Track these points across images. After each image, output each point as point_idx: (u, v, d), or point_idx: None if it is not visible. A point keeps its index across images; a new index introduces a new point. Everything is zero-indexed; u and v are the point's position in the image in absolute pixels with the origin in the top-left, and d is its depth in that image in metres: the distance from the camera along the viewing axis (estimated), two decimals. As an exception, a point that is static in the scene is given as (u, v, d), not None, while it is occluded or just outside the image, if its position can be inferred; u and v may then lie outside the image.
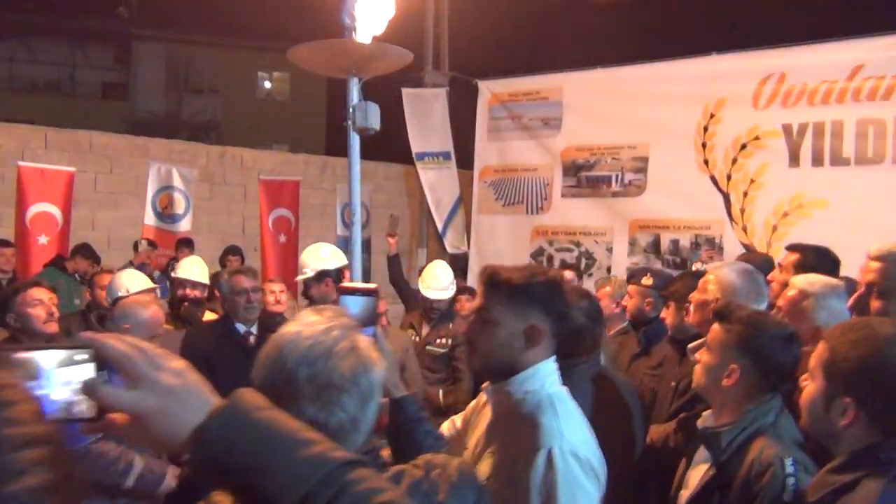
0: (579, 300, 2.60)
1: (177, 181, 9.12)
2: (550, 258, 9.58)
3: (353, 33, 3.94)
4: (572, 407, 1.92)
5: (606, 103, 9.15)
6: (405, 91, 10.67)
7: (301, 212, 9.80)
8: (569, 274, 5.97)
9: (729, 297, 2.77)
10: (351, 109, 4.02)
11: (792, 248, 3.32)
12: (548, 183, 9.72)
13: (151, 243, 8.10)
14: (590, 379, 2.62)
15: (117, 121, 21.64)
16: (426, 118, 10.69)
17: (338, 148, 16.11)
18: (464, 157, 10.60)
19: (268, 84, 28.67)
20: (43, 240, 8.06)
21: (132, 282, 4.61)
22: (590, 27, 13.36)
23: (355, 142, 4.11)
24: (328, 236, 10.16)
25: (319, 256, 4.39)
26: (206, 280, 5.03)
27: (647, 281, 4.22)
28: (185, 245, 8.26)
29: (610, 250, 9.24)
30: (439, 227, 10.55)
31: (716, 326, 2.26)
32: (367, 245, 10.32)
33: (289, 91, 28.30)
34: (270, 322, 4.31)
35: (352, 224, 4.08)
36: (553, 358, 1.97)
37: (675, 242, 8.77)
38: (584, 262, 9.36)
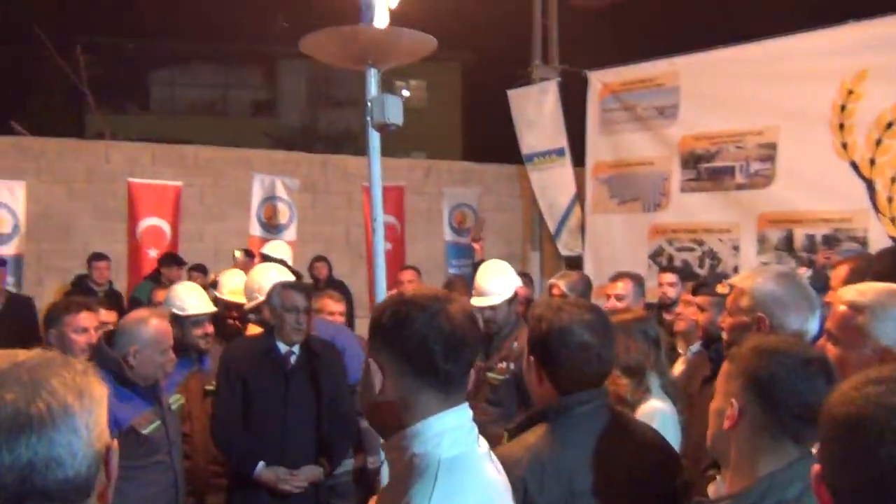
0: (580, 314, 2.04)
1: (280, 191, 9.15)
2: (671, 258, 8.77)
3: (371, 20, 3.58)
4: (472, 482, 1.42)
5: (727, 86, 8.23)
6: (511, 93, 10.26)
7: (406, 217, 9.59)
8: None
9: (775, 312, 2.15)
10: (368, 104, 3.66)
11: (840, 260, 2.58)
12: (665, 177, 8.90)
13: (248, 253, 8.10)
14: (593, 427, 1.99)
15: (264, 136, 22.58)
16: (537, 116, 10.17)
17: (476, 153, 15.92)
18: (576, 154, 9.98)
19: (405, 92, 29.00)
20: (153, 253, 8.29)
21: (188, 298, 4.38)
22: (706, 3, 12.28)
23: (375, 140, 3.75)
24: (435, 242, 9.90)
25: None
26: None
27: (722, 289, 3.53)
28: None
29: (736, 248, 8.30)
30: (552, 228, 9.98)
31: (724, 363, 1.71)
32: (472, 251, 9.94)
33: (425, 98, 28.50)
34: (317, 344, 3.98)
35: (373, 232, 3.70)
36: (454, 411, 1.47)
37: (811, 238, 7.73)
38: (707, 262, 8.49)
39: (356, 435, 4.01)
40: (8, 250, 7.81)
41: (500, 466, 1.58)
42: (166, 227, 8.52)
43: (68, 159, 8.48)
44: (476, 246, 6.24)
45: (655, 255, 8.87)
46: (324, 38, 3.48)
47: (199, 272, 7.72)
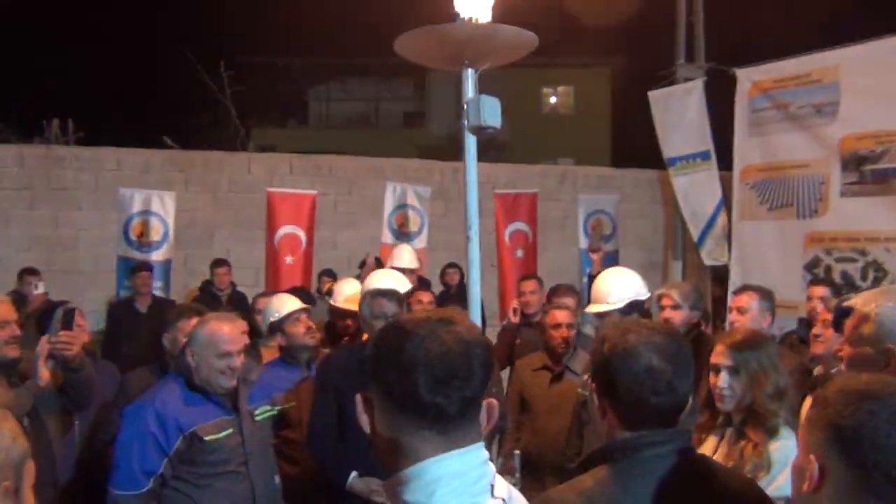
0: (650, 336, 1.74)
1: (412, 199, 9.15)
2: (829, 269, 7.98)
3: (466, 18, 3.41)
4: None
5: (895, 80, 7.40)
6: (652, 94, 9.78)
7: (539, 225, 9.32)
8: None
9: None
10: (465, 106, 3.48)
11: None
12: (823, 181, 8.13)
13: (378, 260, 8.14)
14: (664, 474, 1.66)
15: (413, 147, 23.03)
16: (680, 118, 9.62)
17: (624, 160, 15.40)
18: (721, 158, 9.33)
19: (553, 99, 28.69)
20: (289, 260, 8.51)
21: (284, 304, 4.46)
22: None
23: (471, 143, 3.56)
24: (569, 249, 9.60)
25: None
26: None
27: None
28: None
29: (905, 259, 7.44)
30: (695, 236, 9.38)
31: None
32: (615, 259, 9.53)
33: (572, 104, 28.05)
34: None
35: (468, 240, 3.52)
36: (457, 455, 1.26)
37: None
38: (871, 273, 7.65)
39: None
40: (158, 256, 8.28)
41: None
42: (302, 234, 8.70)
43: (213, 170, 8.90)
44: (594, 257, 5.81)
45: (811, 266, 8.10)
46: (418, 38, 3.34)
47: (329, 277, 7.85)
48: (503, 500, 1.28)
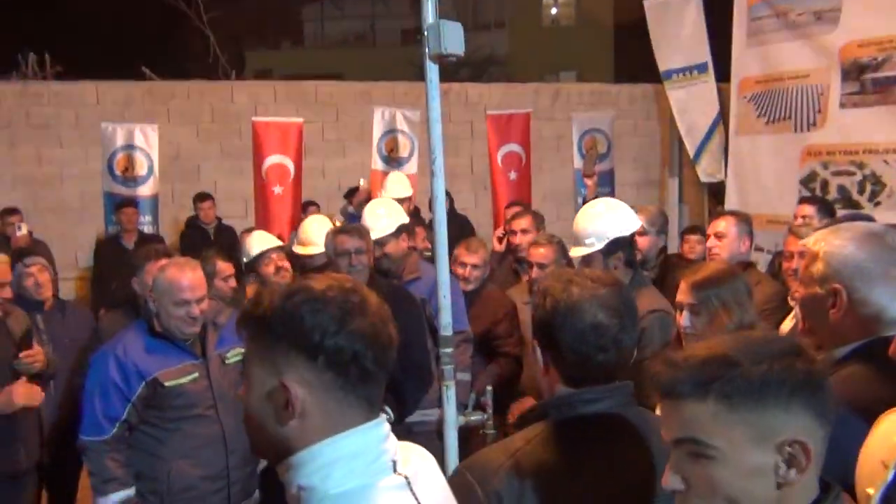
0: (595, 288, 1.64)
1: (401, 124, 8.94)
2: (825, 184, 7.79)
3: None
4: None
5: (898, -18, 7.06)
6: (647, 4, 9.37)
7: (533, 145, 9.13)
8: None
9: (854, 282, 1.66)
10: (425, 32, 3.29)
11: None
12: (822, 92, 7.84)
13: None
14: (602, 431, 1.60)
15: (412, 65, 22.55)
16: (677, 29, 9.27)
17: (627, 73, 15.00)
18: (720, 71, 9.04)
19: (554, 10, 27.91)
20: (278, 190, 8.38)
21: (255, 243, 4.38)
22: None
23: (433, 73, 3.37)
24: (563, 169, 9.44)
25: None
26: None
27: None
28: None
29: (905, 171, 7.25)
30: (691, 152, 9.17)
31: None
32: (610, 177, 9.38)
33: (574, 16, 27.28)
34: (383, 288, 3.80)
35: (433, 175, 3.38)
36: (351, 433, 1.18)
37: None
38: (869, 187, 7.47)
39: (429, 382, 3.78)
40: (144, 191, 8.17)
41: (441, 494, 1.29)
42: (290, 164, 8.55)
43: (195, 101, 8.70)
44: (588, 182, 5.52)
45: (807, 181, 7.91)
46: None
47: (315, 207, 7.76)
48: (406, 476, 1.21)
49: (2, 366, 3.45)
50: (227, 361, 3.24)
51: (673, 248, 6.51)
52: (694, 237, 5.85)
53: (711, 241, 3.85)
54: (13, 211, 6.92)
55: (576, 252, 3.58)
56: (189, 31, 10.39)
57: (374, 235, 3.95)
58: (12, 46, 8.80)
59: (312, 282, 1.22)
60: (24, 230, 6.54)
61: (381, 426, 1.22)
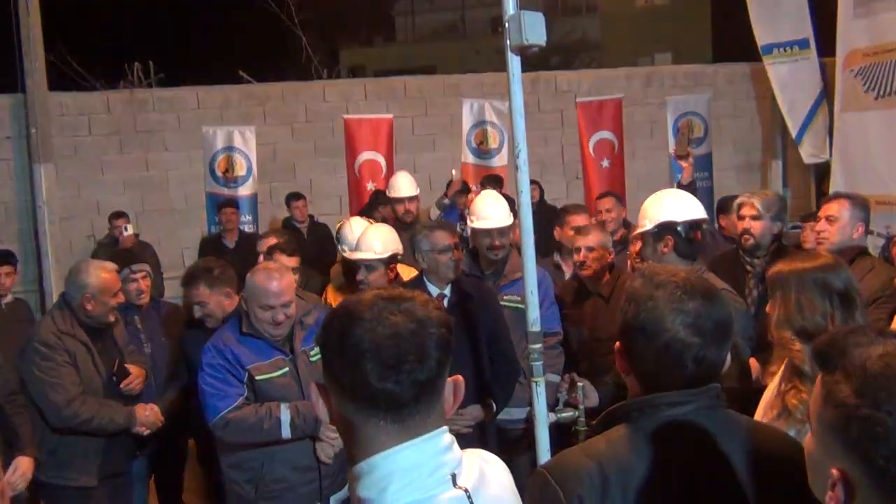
0: (683, 301, 1.55)
1: (490, 115, 8.92)
2: (943, 162, 7.30)
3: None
4: None
5: None
6: (747, -25, 8.93)
7: (626, 132, 8.94)
8: None
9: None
10: (506, 24, 3.27)
11: None
12: (938, 62, 7.35)
13: (465, 185, 7.91)
14: (688, 435, 1.53)
15: (501, 55, 22.45)
16: (776, 1, 8.84)
17: (725, 53, 14.44)
18: (824, 44, 8.57)
19: (645, -10, 27.21)
20: (371, 186, 8.53)
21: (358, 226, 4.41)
22: None
23: (515, 64, 3.35)
24: (658, 155, 9.21)
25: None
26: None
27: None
28: (492, 182, 8.03)
29: None
30: (793, 132, 8.75)
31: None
32: (708, 162, 9.09)
33: (671, -6, 26.48)
34: (468, 284, 3.82)
35: (517, 168, 3.36)
36: (412, 446, 1.17)
37: None
38: None
39: (517, 374, 3.77)
40: (244, 191, 8.46)
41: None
42: (381, 160, 8.70)
43: (289, 102, 8.91)
44: (683, 164, 5.34)
45: (922, 160, 7.43)
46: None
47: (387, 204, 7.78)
48: (466, 490, 1.19)
49: (108, 371, 3.67)
50: (312, 359, 3.33)
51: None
52: (810, 224, 5.59)
53: (821, 225, 3.64)
54: (120, 214, 7.30)
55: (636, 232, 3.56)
56: (283, 33, 10.65)
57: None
58: (119, 57, 9.25)
59: (355, 302, 1.22)
60: (130, 231, 6.89)
61: (440, 438, 1.20)
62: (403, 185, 6.09)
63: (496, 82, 9.23)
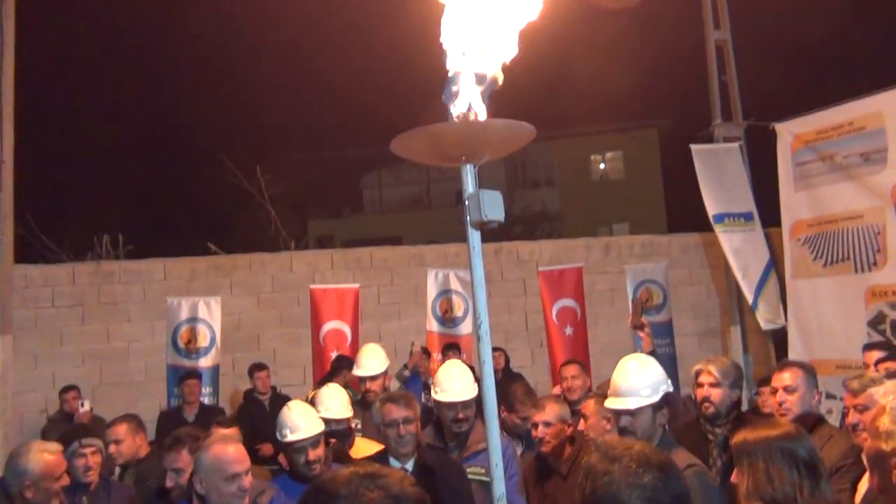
0: (639, 475, 1.54)
1: (455, 284, 9.07)
2: (895, 325, 7.53)
3: (457, 114, 3.37)
4: None
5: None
6: (694, 148, 9.48)
7: (587, 300, 9.11)
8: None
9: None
10: (465, 202, 3.41)
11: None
12: (878, 231, 7.76)
13: (425, 351, 7.99)
14: None
15: (464, 225, 23.14)
16: (721, 176, 9.37)
17: (679, 223, 15.11)
18: (770, 214, 9.03)
19: (602, 165, 28.71)
20: (335, 355, 8.46)
21: (296, 419, 4.15)
22: None
23: (475, 239, 3.45)
24: (620, 322, 9.31)
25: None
26: (346, 414, 4.42)
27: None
28: (452, 349, 8.06)
29: (980, 308, 6.97)
30: (749, 298, 8.99)
31: None
32: (668, 328, 9.21)
33: (623, 169, 27.98)
34: (432, 457, 3.72)
35: (478, 339, 3.38)
36: None
37: None
38: (943, 327, 7.18)
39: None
40: (206, 362, 8.34)
41: None
42: (347, 329, 8.69)
43: (256, 272, 9.02)
44: (641, 334, 5.38)
45: (876, 323, 7.66)
46: (414, 138, 3.31)
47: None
48: None
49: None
50: None
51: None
52: (767, 388, 5.63)
53: (781, 396, 3.67)
54: (71, 388, 7.14)
55: (623, 405, 3.46)
56: (253, 206, 10.97)
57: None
58: (89, 228, 9.38)
59: (331, 480, 1.20)
60: (87, 407, 6.69)
61: None
62: (367, 363, 5.77)
63: (460, 252, 9.49)
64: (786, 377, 3.66)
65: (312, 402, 4.47)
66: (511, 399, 4.88)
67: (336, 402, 4.39)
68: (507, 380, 7.64)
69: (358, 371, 5.66)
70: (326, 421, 3.97)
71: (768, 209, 9.09)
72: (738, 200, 9.18)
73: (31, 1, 8.56)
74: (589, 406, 3.91)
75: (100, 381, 8.32)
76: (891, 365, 4.21)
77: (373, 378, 5.50)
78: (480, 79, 3.03)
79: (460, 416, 3.90)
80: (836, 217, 8.18)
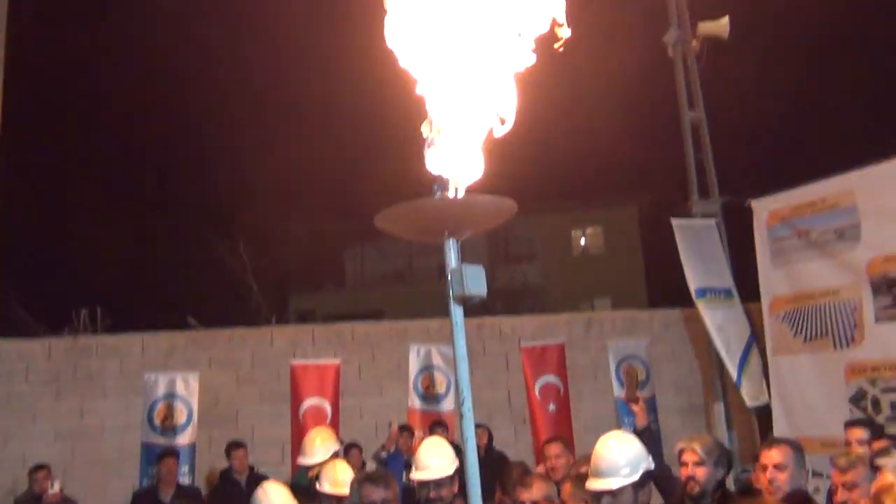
0: None
1: (437, 360, 9.03)
2: (876, 402, 7.51)
3: (443, 190, 3.42)
4: None
5: (912, 198, 7.28)
6: (675, 222, 9.53)
7: (570, 376, 9.11)
8: None
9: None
10: (448, 276, 3.42)
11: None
12: (855, 307, 7.82)
13: (405, 428, 7.87)
14: None
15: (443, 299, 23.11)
16: (701, 251, 9.46)
17: (660, 296, 15.22)
18: (750, 289, 9.11)
19: (583, 240, 29.01)
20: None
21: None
22: (874, 111, 11.22)
23: (458, 314, 3.45)
24: (603, 399, 9.28)
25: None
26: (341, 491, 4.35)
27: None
28: (439, 426, 7.95)
29: (960, 385, 7.00)
30: (733, 374, 8.97)
31: None
32: (652, 405, 9.17)
33: (603, 244, 28.28)
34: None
35: (461, 416, 3.34)
36: None
37: None
38: (924, 404, 7.19)
39: None
40: (183, 439, 8.17)
41: None
42: (327, 405, 8.61)
43: (236, 347, 8.93)
44: (635, 409, 5.37)
45: (857, 400, 7.65)
46: (397, 213, 3.35)
47: (357, 448, 7.60)
48: None
49: None
50: None
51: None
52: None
53: (771, 473, 3.64)
54: (41, 467, 6.92)
55: (604, 485, 3.44)
56: (234, 279, 10.94)
57: None
58: (67, 302, 9.29)
59: None
60: (56, 488, 6.46)
61: None
62: (318, 450, 5.67)
63: (442, 327, 9.45)
64: (774, 454, 3.64)
65: (317, 478, 4.43)
66: (505, 480, 4.83)
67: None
68: (490, 459, 7.52)
69: (303, 459, 5.70)
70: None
71: (748, 284, 9.17)
72: (718, 276, 9.26)
73: None
74: (566, 490, 3.86)
75: (72, 460, 8.09)
76: (878, 445, 4.19)
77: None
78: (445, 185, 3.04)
79: (431, 494, 3.80)
80: (813, 293, 8.25)
